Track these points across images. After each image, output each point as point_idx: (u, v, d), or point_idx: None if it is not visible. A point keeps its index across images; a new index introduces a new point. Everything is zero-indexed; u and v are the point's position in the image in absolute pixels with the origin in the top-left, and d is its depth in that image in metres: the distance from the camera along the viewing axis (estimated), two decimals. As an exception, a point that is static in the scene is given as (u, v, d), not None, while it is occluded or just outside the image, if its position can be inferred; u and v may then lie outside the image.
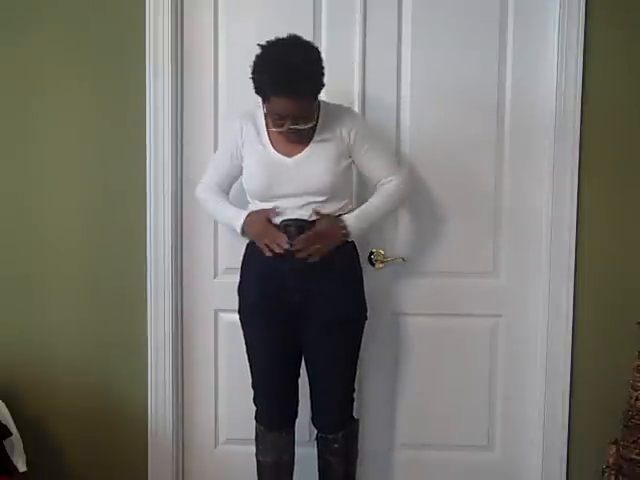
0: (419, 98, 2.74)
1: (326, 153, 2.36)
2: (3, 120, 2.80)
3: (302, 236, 2.33)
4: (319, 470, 2.57)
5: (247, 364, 2.54)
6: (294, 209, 2.36)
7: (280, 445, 2.56)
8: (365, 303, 2.51)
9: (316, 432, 2.56)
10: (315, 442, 2.58)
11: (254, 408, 2.57)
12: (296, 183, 2.35)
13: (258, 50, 2.25)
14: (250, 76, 2.27)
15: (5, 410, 2.55)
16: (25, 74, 2.77)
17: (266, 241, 2.36)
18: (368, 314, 2.52)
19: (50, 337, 2.85)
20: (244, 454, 2.67)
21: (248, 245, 2.52)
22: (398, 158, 2.68)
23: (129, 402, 2.86)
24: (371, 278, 2.67)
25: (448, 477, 2.90)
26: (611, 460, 2.56)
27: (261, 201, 2.42)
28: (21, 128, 2.79)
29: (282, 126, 2.27)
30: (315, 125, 2.36)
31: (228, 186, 2.56)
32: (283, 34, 2.29)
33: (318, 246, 2.34)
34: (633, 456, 2.52)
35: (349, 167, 2.44)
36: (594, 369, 2.76)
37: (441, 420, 2.88)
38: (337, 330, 2.41)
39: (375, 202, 2.44)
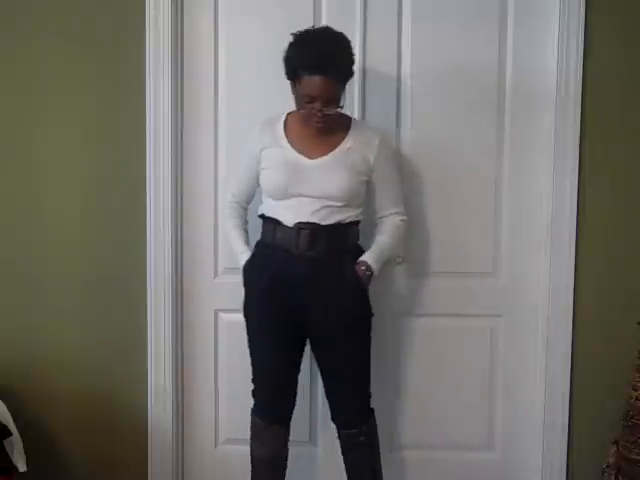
0: (418, 91, 2.75)
1: (350, 162, 2.41)
2: (3, 119, 2.80)
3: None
4: (347, 469, 2.55)
5: (247, 364, 2.54)
6: (308, 212, 2.39)
7: (277, 440, 2.57)
8: (369, 301, 2.51)
9: (338, 430, 2.54)
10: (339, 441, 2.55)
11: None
12: (315, 185, 2.38)
13: (291, 38, 2.34)
14: (284, 58, 2.35)
15: (5, 410, 2.55)
16: (25, 74, 2.77)
17: None
18: (373, 311, 2.52)
19: (50, 337, 2.85)
20: (244, 454, 2.66)
21: (257, 244, 2.53)
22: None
23: (129, 402, 2.86)
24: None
25: (448, 477, 2.90)
26: (611, 460, 2.56)
27: (275, 200, 2.44)
28: (21, 128, 2.79)
29: (313, 108, 2.32)
30: (344, 133, 2.43)
31: (249, 196, 2.58)
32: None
33: None
34: (633, 456, 2.52)
35: (365, 182, 2.48)
36: (594, 369, 2.76)
37: (441, 420, 2.88)
38: (348, 329, 2.44)
39: (388, 241, 2.53)
